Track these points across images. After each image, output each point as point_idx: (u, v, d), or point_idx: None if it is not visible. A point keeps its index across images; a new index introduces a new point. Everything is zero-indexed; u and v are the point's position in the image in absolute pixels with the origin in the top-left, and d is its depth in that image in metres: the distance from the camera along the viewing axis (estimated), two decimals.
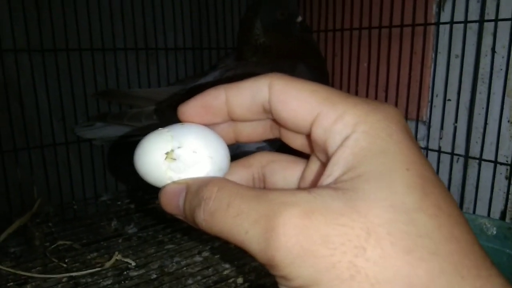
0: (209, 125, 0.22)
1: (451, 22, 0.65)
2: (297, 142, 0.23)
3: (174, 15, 0.85)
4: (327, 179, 0.18)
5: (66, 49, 0.73)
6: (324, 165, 0.21)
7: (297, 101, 0.19)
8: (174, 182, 0.21)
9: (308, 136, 0.20)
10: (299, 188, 0.23)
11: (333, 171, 0.18)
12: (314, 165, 0.22)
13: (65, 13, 0.73)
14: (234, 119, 0.22)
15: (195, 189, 0.20)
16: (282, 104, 0.20)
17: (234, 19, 0.90)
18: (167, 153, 0.20)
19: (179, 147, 0.20)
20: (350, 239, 0.15)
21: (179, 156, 0.20)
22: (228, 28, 0.91)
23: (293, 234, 0.16)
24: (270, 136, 0.24)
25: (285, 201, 0.17)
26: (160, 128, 0.21)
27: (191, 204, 0.19)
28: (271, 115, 0.21)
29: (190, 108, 0.22)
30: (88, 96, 0.77)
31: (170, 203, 0.21)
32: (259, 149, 0.71)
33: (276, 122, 0.21)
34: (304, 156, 0.24)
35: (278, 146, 0.78)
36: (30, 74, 0.72)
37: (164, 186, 0.21)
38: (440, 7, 0.69)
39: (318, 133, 0.19)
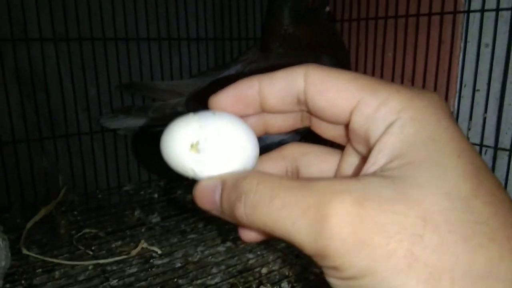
0: (240, 117, 0.22)
1: (482, 10, 0.63)
2: (330, 132, 0.22)
3: (197, 4, 0.85)
4: (371, 167, 0.17)
5: (91, 38, 0.74)
6: (362, 157, 0.20)
7: (335, 89, 0.19)
8: (208, 178, 0.20)
9: (346, 126, 0.20)
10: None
11: (378, 159, 0.17)
12: (350, 157, 0.22)
13: (89, 2, 0.73)
14: (266, 110, 0.22)
15: (233, 183, 0.19)
16: (319, 93, 0.19)
17: (256, 9, 0.90)
18: (192, 145, 0.20)
19: (205, 140, 0.20)
20: (405, 227, 0.15)
21: (204, 149, 0.20)
22: (250, 18, 0.90)
23: (346, 222, 0.15)
24: (300, 126, 0.23)
25: (335, 190, 0.16)
26: (190, 113, 0.21)
27: (230, 198, 0.19)
28: (305, 107, 0.20)
29: (222, 98, 0.21)
30: (112, 85, 0.78)
31: (206, 199, 0.20)
32: (282, 141, 0.71)
33: (311, 113, 0.21)
34: (336, 146, 0.23)
35: (300, 138, 0.77)
36: (56, 64, 0.73)
37: (197, 182, 0.20)
38: None
39: (358, 121, 0.18)
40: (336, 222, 0.15)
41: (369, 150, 0.18)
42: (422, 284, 0.14)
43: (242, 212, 0.18)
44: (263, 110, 0.22)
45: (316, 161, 0.24)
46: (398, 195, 0.16)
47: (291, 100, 0.20)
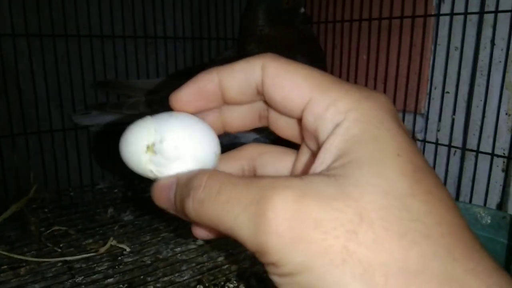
0: (201, 113, 0.22)
1: (451, 14, 0.64)
2: (286, 131, 0.22)
3: (174, 3, 0.85)
4: (319, 166, 0.18)
5: (64, 35, 0.73)
6: (314, 154, 0.21)
7: (289, 85, 0.19)
8: (165, 177, 0.20)
9: (299, 122, 0.20)
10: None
11: (325, 159, 0.18)
12: (304, 156, 0.22)
13: None
14: (227, 102, 0.22)
15: (185, 180, 0.19)
16: (274, 87, 0.19)
17: (234, 9, 0.90)
18: (148, 147, 0.20)
19: (160, 141, 0.20)
20: (342, 224, 0.15)
21: (160, 150, 0.20)
22: (229, 18, 0.90)
23: (284, 218, 0.15)
24: (258, 125, 0.24)
25: (276, 186, 0.16)
26: (147, 116, 0.21)
27: (181, 195, 0.19)
28: (263, 97, 0.21)
29: (183, 95, 0.21)
30: (86, 83, 0.77)
31: (162, 197, 0.20)
32: (255, 140, 0.71)
33: (268, 105, 0.21)
34: (295, 147, 0.24)
35: (274, 138, 0.78)
36: (28, 60, 0.72)
37: (155, 181, 0.21)
38: None
39: (309, 120, 0.19)
40: (273, 217, 0.15)
41: (319, 148, 0.18)
42: (357, 280, 0.15)
43: (191, 207, 0.18)
44: (225, 102, 0.22)
45: (272, 160, 0.24)
46: (338, 192, 0.16)
47: (250, 91, 0.21)
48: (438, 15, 0.68)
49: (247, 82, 0.20)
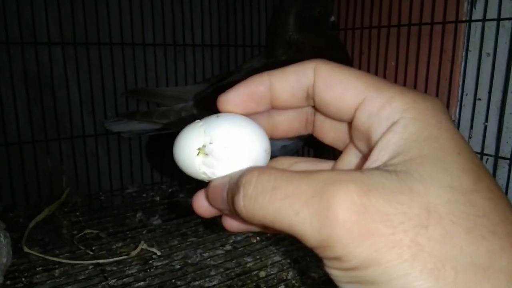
0: (249, 116, 0.22)
1: (483, 20, 0.63)
2: (331, 136, 0.23)
3: (202, 11, 0.86)
4: (373, 164, 0.18)
5: (97, 43, 0.75)
6: (363, 156, 0.21)
7: (342, 85, 0.19)
8: (219, 177, 0.20)
9: (349, 125, 0.20)
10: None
11: (380, 156, 0.18)
12: (348, 157, 0.22)
13: (97, 7, 0.74)
14: (276, 106, 0.22)
15: (236, 178, 0.19)
16: (327, 88, 0.20)
17: (261, 17, 0.91)
18: (199, 149, 0.20)
19: (210, 143, 0.20)
20: (409, 218, 0.15)
21: (211, 151, 0.20)
22: (255, 25, 0.91)
23: (352, 211, 0.15)
24: (304, 132, 0.24)
25: (340, 179, 0.16)
26: (196, 121, 0.21)
27: (232, 193, 0.19)
28: (312, 102, 0.21)
29: (232, 96, 0.22)
30: (117, 89, 0.79)
31: (216, 198, 0.20)
32: (283, 148, 0.71)
33: (317, 109, 0.21)
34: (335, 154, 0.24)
35: (301, 145, 0.78)
36: (63, 67, 0.74)
37: (210, 182, 0.21)
38: (472, 4, 0.68)
39: (362, 119, 0.19)
40: (341, 211, 0.15)
41: (370, 148, 0.19)
42: (426, 274, 0.15)
43: (241, 205, 0.18)
44: (273, 106, 0.22)
45: (307, 166, 0.24)
46: (402, 187, 0.16)
47: (301, 94, 0.21)
48: (469, 21, 0.67)
49: (299, 84, 0.21)
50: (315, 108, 0.21)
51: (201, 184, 0.22)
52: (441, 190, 0.16)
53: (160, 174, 0.89)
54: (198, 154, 0.20)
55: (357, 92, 0.19)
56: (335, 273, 0.16)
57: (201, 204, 0.22)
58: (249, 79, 0.21)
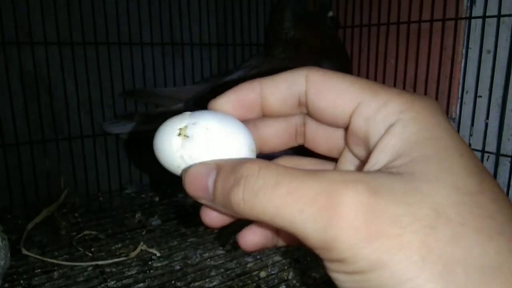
0: None
1: (484, 17, 0.63)
2: (324, 145, 0.22)
3: (200, 9, 0.85)
4: (372, 167, 0.17)
5: (94, 42, 0.75)
6: (361, 162, 0.20)
7: (336, 90, 0.19)
8: (201, 163, 0.19)
9: (345, 130, 0.20)
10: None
11: (380, 159, 0.17)
12: (344, 165, 0.22)
13: (94, 7, 0.74)
14: (268, 113, 0.21)
15: (230, 168, 0.18)
16: (320, 94, 0.19)
17: (259, 15, 0.90)
18: (180, 129, 0.19)
19: (193, 124, 0.19)
20: (418, 219, 0.15)
21: (193, 134, 0.19)
22: (253, 23, 0.91)
23: (360, 212, 0.15)
24: (294, 144, 0.23)
25: (347, 179, 0.16)
26: (186, 112, 0.20)
27: (226, 183, 0.17)
28: (305, 109, 0.20)
29: (223, 101, 0.21)
30: (115, 89, 0.78)
31: (196, 185, 0.19)
32: (272, 157, 0.71)
33: (311, 115, 0.21)
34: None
35: (292, 153, 0.77)
36: (60, 67, 0.73)
37: (188, 167, 0.19)
38: (471, 0, 0.67)
39: (358, 123, 0.19)
40: (349, 211, 0.15)
41: (368, 152, 0.18)
42: (436, 277, 0.14)
43: (240, 198, 0.17)
44: (264, 113, 0.21)
45: (309, 167, 0.23)
46: (409, 188, 0.15)
47: (292, 102, 0.20)
48: (469, 17, 0.66)
49: (290, 91, 0.20)
50: (309, 115, 0.21)
51: None
52: (448, 190, 0.15)
53: (159, 174, 0.88)
54: (178, 135, 0.19)
55: (351, 97, 0.19)
56: (338, 277, 0.16)
57: (211, 214, 0.21)
58: (240, 86, 0.21)
